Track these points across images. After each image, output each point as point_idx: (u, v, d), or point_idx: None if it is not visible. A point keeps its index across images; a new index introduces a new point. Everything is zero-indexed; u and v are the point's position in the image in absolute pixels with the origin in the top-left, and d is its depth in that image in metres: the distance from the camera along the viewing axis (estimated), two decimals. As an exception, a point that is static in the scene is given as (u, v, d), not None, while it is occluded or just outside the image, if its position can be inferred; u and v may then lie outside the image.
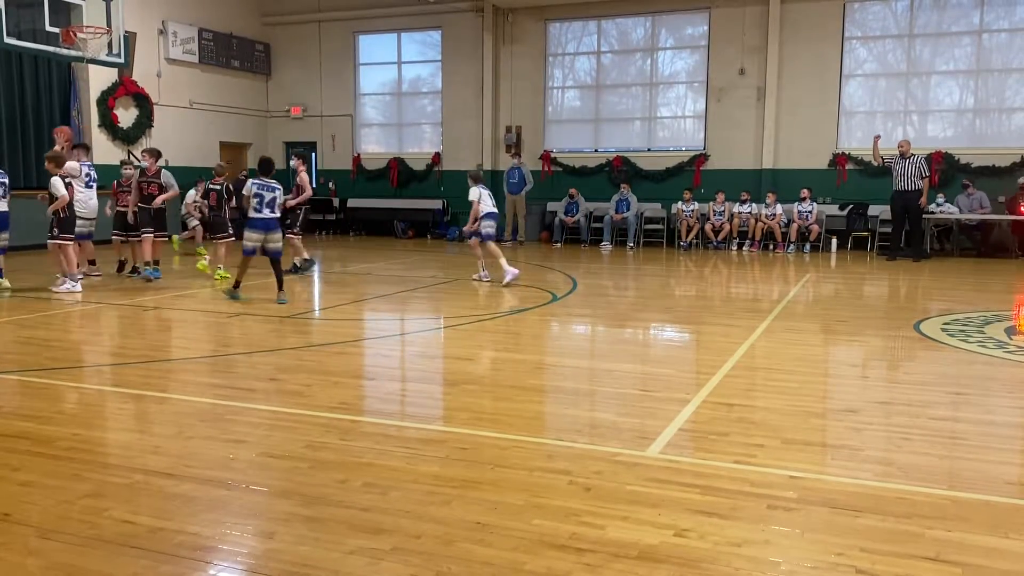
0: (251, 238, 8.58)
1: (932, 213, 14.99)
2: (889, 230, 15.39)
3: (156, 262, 10.51)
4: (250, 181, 8.73)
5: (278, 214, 8.76)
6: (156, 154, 10.76)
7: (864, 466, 3.86)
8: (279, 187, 8.76)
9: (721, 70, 17.15)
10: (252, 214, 8.54)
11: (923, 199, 13.82)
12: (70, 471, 3.75)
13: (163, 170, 10.73)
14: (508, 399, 5.12)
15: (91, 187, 10.54)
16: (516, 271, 10.30)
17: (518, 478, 3.67)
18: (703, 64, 17.46)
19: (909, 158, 13.86)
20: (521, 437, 4.29)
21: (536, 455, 4.00)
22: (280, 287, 8.71)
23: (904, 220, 14.11)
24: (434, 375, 6.09)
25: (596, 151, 18.49)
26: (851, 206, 16.08)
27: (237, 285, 8.86)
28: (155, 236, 10.38)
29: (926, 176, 13.86)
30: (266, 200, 8.53)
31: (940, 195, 15.16)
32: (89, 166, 10.70)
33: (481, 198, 10.18)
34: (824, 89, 16.48)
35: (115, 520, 3.20)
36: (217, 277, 10.45)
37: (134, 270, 10.88)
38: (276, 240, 8.70)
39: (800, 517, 3.26)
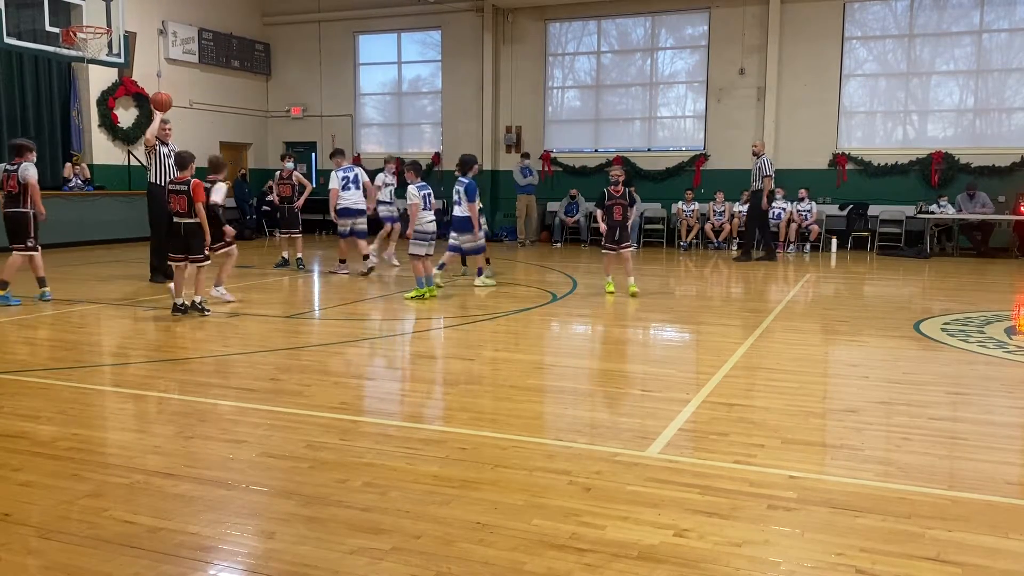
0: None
1: (931, 213, 15.00)
2: (890, 230, 15.58)
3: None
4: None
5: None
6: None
7: (864, 466, 3.85)
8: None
9: (721, 70, 17.15)
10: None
11: (764, 200, 13.73)
12: (70, 471, 3.75)
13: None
14: (508, 399, 5.12)
15: (348, 188, 11.37)
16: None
17: (518, 478, 3.67)
18: (703, 64, 17.46)
19: (759, 156, 13.78)
20: (521, 437, 4.29)
21: (536, 455, 4.00)
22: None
23: (757, 219, 14.09)
24: (434, 375, 6.08)
25: (596, 151, 18.49)
26: (851, 206, 16.09)
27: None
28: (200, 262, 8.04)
29: (768, 176, 13.63)
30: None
31: (942, 197, 15.19)
32: (345, 169, 11.43)
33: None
34: (824, 89, 16.48)
35: (115, 520, 3.20)
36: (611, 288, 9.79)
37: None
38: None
39: (800, 517, 3.25)
